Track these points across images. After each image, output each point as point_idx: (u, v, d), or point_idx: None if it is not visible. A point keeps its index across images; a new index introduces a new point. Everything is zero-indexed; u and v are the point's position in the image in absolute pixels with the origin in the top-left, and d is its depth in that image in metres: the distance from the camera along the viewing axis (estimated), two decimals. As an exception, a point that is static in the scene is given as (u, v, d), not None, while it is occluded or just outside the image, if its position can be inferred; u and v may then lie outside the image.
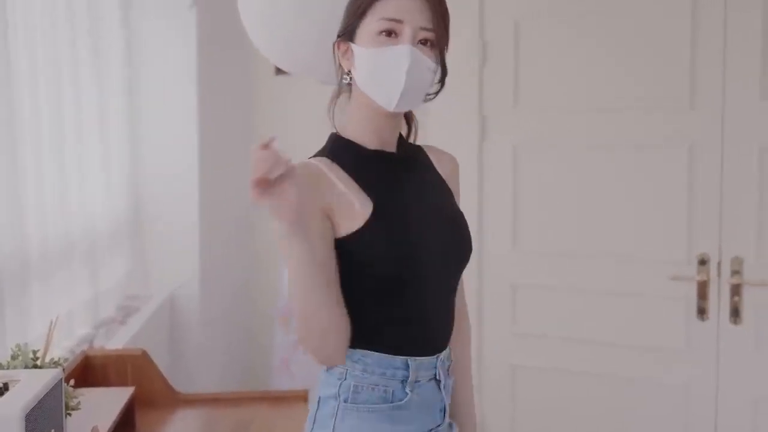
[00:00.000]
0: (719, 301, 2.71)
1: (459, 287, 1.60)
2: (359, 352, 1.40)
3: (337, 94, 1.50)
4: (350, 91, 1.47)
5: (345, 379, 1.40)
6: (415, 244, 1.42)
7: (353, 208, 1.38)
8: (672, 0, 2.73)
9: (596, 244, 2.88)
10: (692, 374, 2.77)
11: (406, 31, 1.36)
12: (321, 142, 1.51)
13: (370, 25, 1.38)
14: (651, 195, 2.80)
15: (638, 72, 2.79)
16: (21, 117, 2.08)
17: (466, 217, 1.57)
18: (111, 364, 2.19)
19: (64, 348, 2.31)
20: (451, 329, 1.52)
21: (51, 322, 1.78)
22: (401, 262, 1.40)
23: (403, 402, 1.40)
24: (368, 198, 1.40)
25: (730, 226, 2.68)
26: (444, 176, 1.58)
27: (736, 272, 2.66)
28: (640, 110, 2.79)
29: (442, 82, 1.47)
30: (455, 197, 1.59)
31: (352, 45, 1.42)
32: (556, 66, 2.91)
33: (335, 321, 1.34)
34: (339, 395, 1.40)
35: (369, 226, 1.38)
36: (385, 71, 1.37)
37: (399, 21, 1.36)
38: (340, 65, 1.47)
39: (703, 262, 2.70)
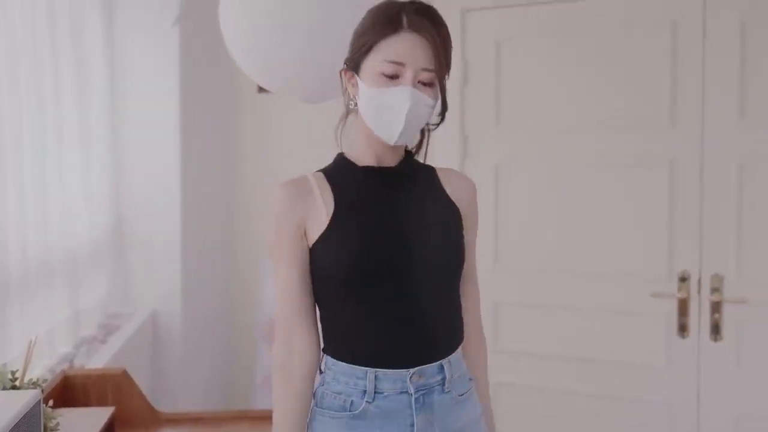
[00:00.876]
0: (700, 318, 2.72)
1: (471, 307, 1.66)
2: (331, 360, 1.51)
3: (345, 117, 1.59)
4: (357, 112, 1.54)
5: (321, 384, 1.53)
6: (370, 252, 1.47)
7: (322, 215, 1.49)
8: (652, 20, 2.76)
9: (578, 262, 2.90)
10: (674, 391, 2.78)
11: (408, 74, 1.44)
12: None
13: (374, 63, 1.46)
14: (632, 212, 2.82)
15: (618, 91, 2.82)
16: (1, 134, 2.07)
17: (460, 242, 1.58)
18: (91, 384, 2.18)
19: (44, 367, 2.29)
20: (435, 346, 1.51)
21: (30, 342, 1.76)
22: (351, 268, 1.46)
23: (357, 412, 1.47)
24: (334, 205, 1.50)
25: (710, 244, 2.70)
26: (455, 199, 1.61)
27: (716, 289, 2.68)
28: (620, 128, 2.82)
29: (442, 116, 1.54)
30: (467, 221, 1.61)
31: (357, 78, 1.50)
32: (537, 85, 2.94)
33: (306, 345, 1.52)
34: (315, 398, 1.54)
35: (327, 230, 1.48)
36: (386, 110, 1.45)
37: (401, 64, 1.43)
38: (346, 90, 1.55)
39: (683, 279, 2.72)
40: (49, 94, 2.39)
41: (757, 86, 2.63)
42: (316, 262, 1.50)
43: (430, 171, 1.65)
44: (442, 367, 1.51)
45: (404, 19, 1.45)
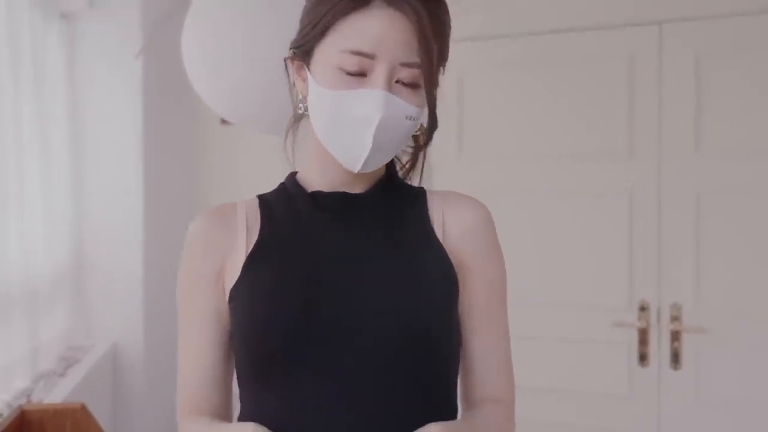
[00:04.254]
0: (660, 348, 2.76)
1: (496, 392, 1.19)
2: None
3: (296, 122, 1.16)
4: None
5: None
6: (280, 317, 1.03)
7: (240, 259, 1.10)
8: (609, 54, 2.83)
9: (538, 292, 2.92)
10: (635, 420, 2.80)
11: (380, 71, 1.00)
12: (267, 190, 1.29)
13: (331, 53, 1.02)
14: (591, 242, 2.86)
15: (577, 122, 2.87)
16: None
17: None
18: (49, 419, 2.13)
19: (1, 402, 2.25)
20: None
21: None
22: (253, 339, 1.05)
23: None
24: (255, 245, 1.11)
25: (669, 273, 2.74)
26: (450, 238, 1.12)
27: (675, 318, 2.72)
28: (579, 159, 2.86)
29: (429, 135, 1.10)
30: (469, 271, 1.12)
31: (308, 70, 1.07)
32: (498, 117, 2.98)
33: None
34: None
35: (238, 282, 1.09)
36: (346, 124, 1.02)
37: (369, 56, 0.99)
38: (294, 85, 1.13)
39: (643, 309, 2.76)
40: (10, 124, 2.38)
41: (712, 118, 2.69)
42: (232, 328, 1.11)
43: (417, 198, 1.17)
44: None
45: None
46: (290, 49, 1.11)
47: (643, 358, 2.77)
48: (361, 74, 1.01)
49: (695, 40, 2.71)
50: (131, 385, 3.04)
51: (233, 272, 1.09)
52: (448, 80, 3.05)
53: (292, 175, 1.18)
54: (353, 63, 1.00)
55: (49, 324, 2.69)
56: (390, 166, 1.16)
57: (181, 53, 2.02)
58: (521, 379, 2.92)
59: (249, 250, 1.09)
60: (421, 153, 1.16)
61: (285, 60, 1.13)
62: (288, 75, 1.13)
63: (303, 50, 1.07)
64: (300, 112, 1.12)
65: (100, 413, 2.23)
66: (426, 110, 1.06)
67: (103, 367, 2.90)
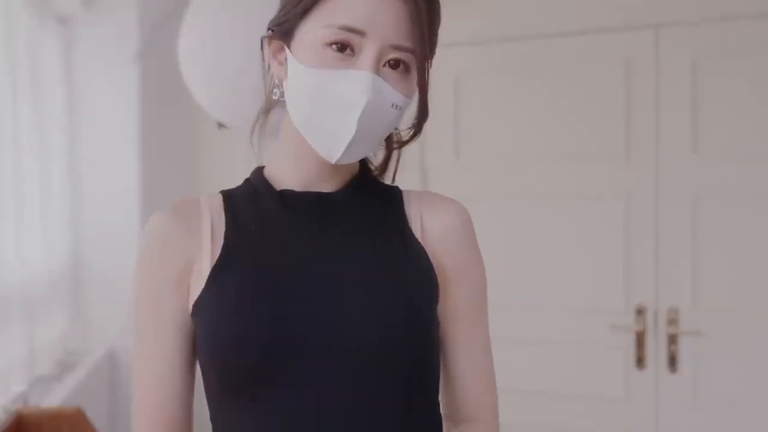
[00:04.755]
0: (657, 351, 2.76)
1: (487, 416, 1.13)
2: None
3: (265, 112, 1.08)
4: (285, 106, 1.04)
5: None
6: (251, 329, 0.94)
7: (206, 263, 0.99)
8: (607, 59, 2.83)
9: (536, 295, 2.92)
10: (632, 423, 2.80)
11: (369, 50, 0.92)
12: None
13: (316, 28, 0.94)
14: (589, 245, 2.86)
15: (574, 125, 2.88)
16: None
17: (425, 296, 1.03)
18: (45, 423, 2.13)
19: (-3, 406, 2.24)
20: None
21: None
22: (222, 354, 0.95)
23: None
24: (222, 248, 1.00)
25: (666, 276, 2.75)
26: (430, 241, 1.06)
27: (672, 321, 2.72)
28: (576, 162, 2.86)
29: (419, 125, 1.01)
30: (450, 276, 1.07)
31: (288, 51, 0.98)
32: (495, 120, 2.98)
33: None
34: None
35: (204, 290, 0.98)
36: (329, 107, 0.93)
37: (360, 32, 0.91)
38: (269, 68, 1.04)
39: (640, 312, 2.76)
40: (8, 127, 2.37)
41: (709, 120, 2.70)
42: (197, 343, 1.01)
43: (392, 197, 1.09)
44: None
45: None
46: (269, 28, 1.02)
47: (640, 361, 2.77)
48: (349, 52, 0.92)
49: (692, 43, 2.72)
50: (128, 388, 3.03)
51: (197, 281, 0.99)
52: (445, 84, 3.05)
53: (259, 171, 1.08)
54: (340, 39, 0.91)
55: (46, 327, 2.68)
56: (363, 163, 1.09)
57: (178, 56, 2.02)
58: (519, 381, 2.94)
59: (214, 257, 0.99)
60: (395, 153, 1.10)
61: (262, 40, 1.03)
62: (263, 57, 1.04)
63: (284, 28, 0.98)
64: (275, 98, 1.03)
65: (97, 417, 2.23)
66: (410, 102, 0.98)
67: (101, 371, 2.90)
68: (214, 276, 0.97)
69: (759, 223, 2.66)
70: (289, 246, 0.99)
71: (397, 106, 0.95)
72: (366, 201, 1.05)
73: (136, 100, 2.97)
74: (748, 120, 2.66)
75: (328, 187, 1.04)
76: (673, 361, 2.73)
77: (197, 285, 0.98)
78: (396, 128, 1.05)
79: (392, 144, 1.09)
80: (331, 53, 0.92)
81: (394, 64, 0.94)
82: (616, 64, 2.82)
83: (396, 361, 0.97)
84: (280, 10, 1.00)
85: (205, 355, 0.97)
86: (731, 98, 2.68)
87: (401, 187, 1.12)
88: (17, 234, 2.43)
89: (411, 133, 1.04)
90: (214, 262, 0.98)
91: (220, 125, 2.12)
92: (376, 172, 1.12)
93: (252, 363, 0.93)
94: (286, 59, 0.99)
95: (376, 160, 1.13)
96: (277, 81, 1.02)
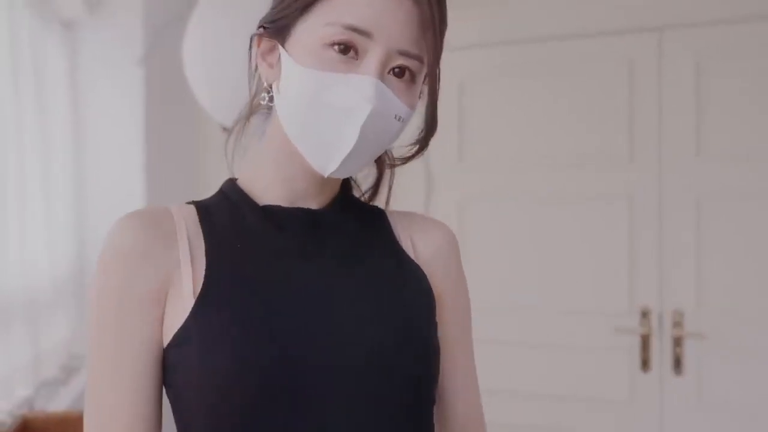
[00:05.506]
0: (662, 353, 2.75)
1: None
2: None
3: (246, 118, 1.00)
4: (269, 113, 0.97)
5: None
6: (252, 365, 0.84)
7: (186, 289, 0.87)
8: (610, 61, 2.83)
9: (540, 297, 2.92)
10: (637, 426, 2.80)
11: (375, 53, 0.84)
12: None
13: (316, 28, 0.85)
14: (593, 248, 2.86)
15: (578, 127, 2.88)
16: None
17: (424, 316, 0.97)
18: (51, 428, 2.14)
19: (3, 411, 2.24)
20: None
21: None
22: (223, 390, 0.84)
23: None
24: (205, 272, 0.88)
25: (670, 279, 2.74)
26: (423, 256, 1.01)
27: (677, 324, 2.71)
28: (580, 165, 2.86)
29: (425, 140, 0.95)
30: (443, 297, 1.01)
31: (282, 50, 0.89)
32: (499, 122, 2.99)
33: None
34: None
35: (189, 320, 0.86)
36: (327, 113, 0.85)
37: (366, 33, 0.83)
38: (256, 71, 0.96)
39: (644, 315, 2.75)
40: (12, 132, 2.38)
41: (712, 123, 2.69)
42: (171, 375, 0.89)
43: (378, 218, 1.02)
44: None
45: None
46: (260, 26, 0.93)
47: (645, 363, 2.76)
48: (353, 55, 0.84)
49: (695, 45, 2.72)
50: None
51: (176, 306, 0.87)
52: (448, 86, 3.05)
53: (233, 183, 0.99)
54: (344, 39, 0.83)
55: (50, 332, 2.69)
56: (345, 182, 1.01)
57: (182, 60, 2.02)
58: (523, 384, 2.94)
59: (197, 279, 0.87)
60: (387, 174, 1.02)
61: (252, 38, 0.94)
62: (250, 58, 0.95)
63: (279, 26, 0.89)
64: (263, 102, 0.93)
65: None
66: (412, 115, 0.90)
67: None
68: (201, 303, 0.85)
69: (763, 225, 2.66)
70: (281, 267, 0.90)
71: (400, 118, 0.87)
72: (354, 220, 0.98)
73: (140, 103, 2.97)
74: (752, 122, 2.66)
75: (313, 204, 0.95)
76: (678, 364, 2.72)
77: (177, 311, 0.86)
78: (388, 150, 0.99)
79: (383, 164, 1.02)
80: (333, 54, 0.84)
81: (399, 72, 0.86)
82: (619, 66, 2.82)
83: (402, 374, 0.90)
84: (275, 7, 0.91)
85: (193, 389, 0.86)
86: (734, 100, 2.68)
87: (408, 190, 1.10)
88: (21, 238, 2.43)
89: (416, 148, 0.96)
90: (198, 286, 0.86)
91: (225, 129, 2.13)
92: (365, 196, 1.05)
93: (249, 401, 0.84)
94: (278, 60, 0.90)
95: (366, 182, 1.05)
96: (265, 84, 0.93)
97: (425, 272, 0.99)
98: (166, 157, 3.22)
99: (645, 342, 2.76)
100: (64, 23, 2.87)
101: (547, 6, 2.90)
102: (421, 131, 0.93)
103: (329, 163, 0.87)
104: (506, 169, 2.98)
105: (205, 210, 0.95)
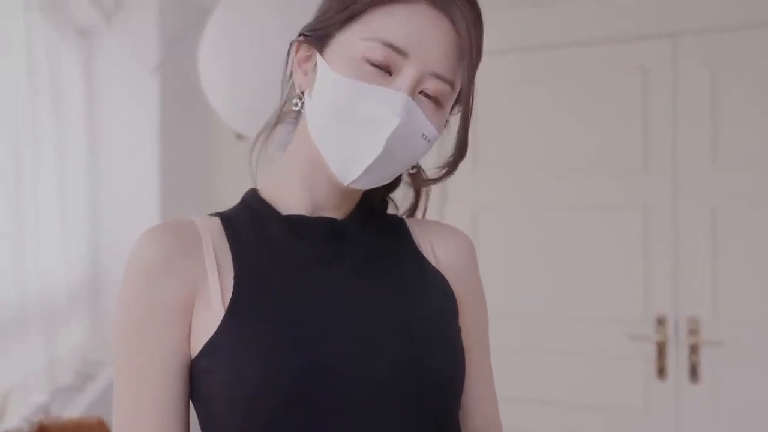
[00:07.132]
0: (678, 361, 2.74)
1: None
2: None
3: (273, 126, 1.01)
4: (297, 121, 0.98)
5: None
6: (284, 375, 0.84)
7: (215, 300, 0.88)
8: (624, 68, 2.82)
9: (555, 305, 2.91)
10: (653, 434, 2.78)
11: (408, 73, 0.86)
12: None
13: (356, 40, 0.87)
14: (608, 255, 2.84)
15: (592, 135, 2.87)
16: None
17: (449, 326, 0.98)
18: (67, 433, 2.15)
19: (20, 417, 2.25)
20: None
21: (5, 393, 1.74)
22: (254, 402, 0.84)
23: None
24: (234, 284, 0.89)
25: (686, 286, 2.73)
26: (444, 263, 1.02)
27: (693, 332, 2.70)
28: (594, 173, 2.85)
29: (454, 164, 0.98)
30: (465, 303, 1.01)
31: (320, 57, 0.91)
32: (512, 131, 2.98)
33: None
34: None
35: (219, 333, 0.86)
36: (356, 122, 0.86)
37: (402, 53, 0.86)
38: (290, 77, 0.98)
39: (660, 322, 2.74)
40: (28, 140, 2.40)
41: (727, 130, 2.68)
42: (199, 385, 0.89)
43: (399, 226, 1.04)
44: None
45: None
46: (301, 33, 0.95)
47: (661, 371, 2.75)
48: (386, 72, 0.86)
49: (710, 52, 2.70)
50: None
51: (205, 316, 0.87)
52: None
53: (255, 193, 1.00)
54: (381, 55, 0.85)
55: (66, 338, 2.70)
56: (365, 194, 1.01)
57: (198, 68, 2.03)
58: (538, 391, 2.93)
59: (225, 289, 0.88)
60: (424, 193, 1.05)
61: (291, 44, 0.96)
62: (287, 63, 0.97)
63: (319, 35, 0.91)
64: (295, 108, 0.94)
65: (117, 428, 2.23)
66: (438, 138, 0.93)
67: (120, 381, 2.90)
68: (231, 313, 0.86)
69: (780, 233, 2.64)
70: (306, 277, 0.91)
71: (426, 138, 0.89)
72: (376, 229, 1.00)
73: (155, 111, 2.99)
74: (767, 129, 2.64)
75: (335, 215, 0.97)
76: (694, 372, 2.71)
77: (205, 322, 0.87)
78: (418, 165, 0.99)
79: (421, 182, 1.02)
80: (368, 68, 0.86)
81: (431, 93, 0.88)
82: (633, 73, 2.81)
83: (428, 382, 0.90)
84: (319, 17, 0.93)
85: (222, 401, 0.86)
86: (750, 108, 2.66)
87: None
88: (36, 245, 2.45)
89: (444, 171, 0.98)
90: (227, 297, 0.87)
91: (239, 136, 2.13)
92: (406, 214, 1.08)
93: (281, 413, 0.84)
94: (313, 68, 0.92)
95: (407, 201, 1.08)
96: (297, 91, 0.95)
97: (448, 277, 1.00)
98: (181, 164, 3.23)
99: (661, 350, 2.75)
100: (80, 31, 2.90)
101: (560, 13, 2.90)
102: (451, 155, 0.96)
103: (350, 173, 0.89)
104: (520, 177, 2.98)
105: (228, 221, 0.96)
